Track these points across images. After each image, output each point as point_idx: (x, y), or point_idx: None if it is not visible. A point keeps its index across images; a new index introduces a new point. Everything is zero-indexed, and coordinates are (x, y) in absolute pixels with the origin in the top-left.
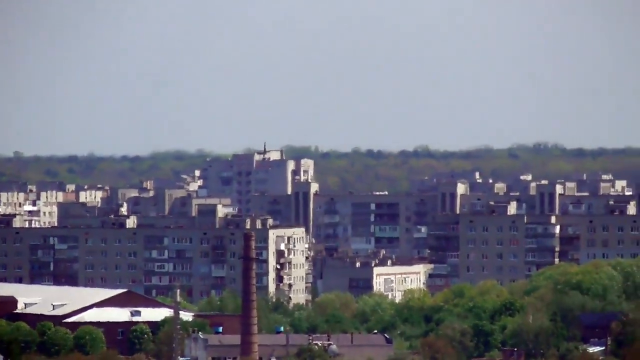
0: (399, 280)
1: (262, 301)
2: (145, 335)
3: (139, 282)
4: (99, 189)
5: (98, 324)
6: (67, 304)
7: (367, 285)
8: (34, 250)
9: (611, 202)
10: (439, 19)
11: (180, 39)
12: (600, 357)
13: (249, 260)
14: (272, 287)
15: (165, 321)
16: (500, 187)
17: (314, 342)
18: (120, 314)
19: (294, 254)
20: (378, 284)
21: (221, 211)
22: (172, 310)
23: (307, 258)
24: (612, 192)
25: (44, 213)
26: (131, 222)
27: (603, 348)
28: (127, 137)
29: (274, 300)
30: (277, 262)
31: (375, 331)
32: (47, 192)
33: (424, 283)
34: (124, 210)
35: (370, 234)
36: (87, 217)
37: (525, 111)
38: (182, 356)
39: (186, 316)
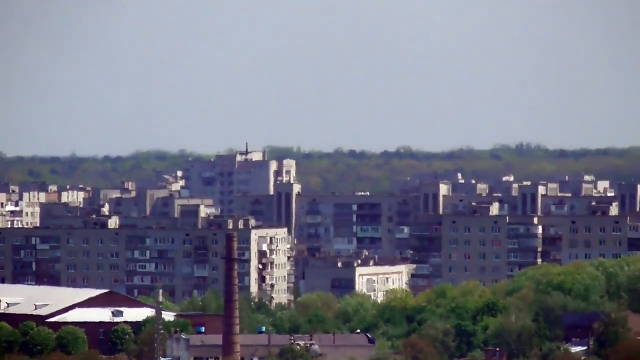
0: (381, 281)
1: (244, 301)
2: (127, 336)
3: (121, 282)
4: (81, 189)
5: (80, 324)
6: (50, 304)
7: (350, 285)
8: (16, 250)
9: (593, 203)
10: (422, 21)
11: (162, 39)
12: (583, 357)
13: (231, 260)
14: (254, 287)
15: (147, 321)
16: (482, 187)
17: (296, 342)
18: (102, 314)
19: (276, 254)
20: (360, 284)
21: (203, 211)
22: (154, 310)
23: (289, 258)
24: (594, 193)
25: (26, 213)
26: (113, 223)
27: (585, 348)
28: (109, 138)
29: (256, 300)
30: (259, 262)
31: (358, 331)
32: (29, 193)
33: (406, 283)
34: (106, 210)
35: (353, 234)
36: (69, 218)
37: (508, 112)
38: (164, 356)
39: (168, 316)
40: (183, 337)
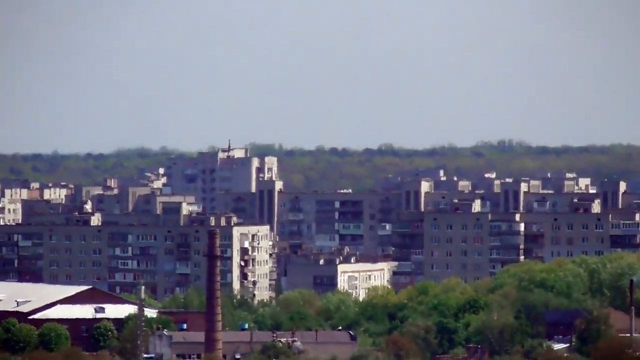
0: (363, 278)
1: (227, 298)
2: (110, 332)
3: (103, 279)
4: (63, 186)
5: (62, 320)
6: (32, 300)
7: (331, 282)
8: None
9: (575, 200)
10: (403, 18)
11: (144, 38)
12: (565, 354)
13: (213, 257)
14: (236, 285)
15: (129, 318)
16: (464, 185)
17: (278, 339)
18: (84, 311)
19: (258, 252)
20: (342, 281)
21: (185, 209)
22: (136, 307)
23: (271, 255)
24: (576, 190)
25: (9, 210)
26: (95, 220)
27: (567, 345)
28: (91, 135)
29: (238, 297)
30: (242, 260)
31: (340, 328)
32: (11, 190)
33: (388, 280)
34: (88, 207)
35: (335, 231)
36: (52, 215)
37: (490, 109)
38: (147, 353)
39: (150, 313)
40: (165, 334)
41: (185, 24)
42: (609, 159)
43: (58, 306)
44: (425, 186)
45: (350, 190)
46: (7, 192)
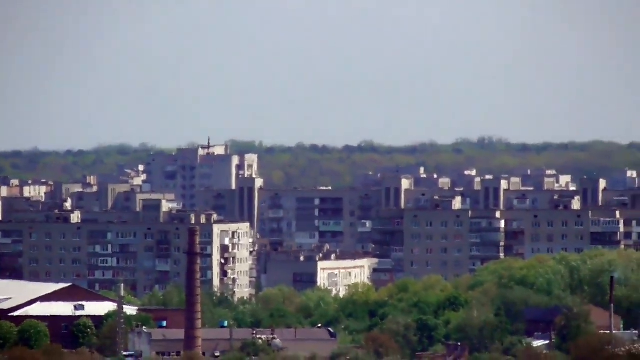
0: (343, 275)
1: (206, 296)
2: (89, 330)
3: (83, 276)
4: (43, 184)
5: (42, 318)
6: (12, 298)
7: (311, 279)
8: None
9: (556, 197)
10: (383, 14)
11: (123, 35)
12: (545, 351)
13: (193, 255)
14: (216, 282)
15: (109, 315)
16: (444, 182)
17: (258, 336)
18: (64, 308)
19: (238, 249)
20: (322, 278)
21: (165, 206)
22: (116, 305)
23: (251, 252)
24: (556, 187)
25: None
26: (75, 217)
27: (547, 342)
28: (71, 132)
29: (218, 294)
30: (222, 257)
31: (320, 325)
32: None
33: (368, 278)
34: (68, 205)
35: (315, 228)
36: (32, 212)
37: (470, 106)
38: (126, 350)
39: (130, 311)
40: (145, 331)
41: (164, 21)
42: (589, 156)
43: (38, 303)
44: (405, 183)
45: (330, 188)
46: None
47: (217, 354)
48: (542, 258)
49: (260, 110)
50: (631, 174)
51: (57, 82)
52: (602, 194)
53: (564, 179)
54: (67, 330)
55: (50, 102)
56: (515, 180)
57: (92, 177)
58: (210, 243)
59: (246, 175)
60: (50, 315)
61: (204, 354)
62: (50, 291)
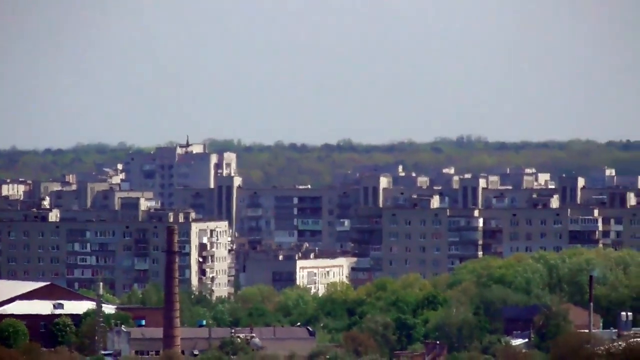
0: (322, 274)
1: (185, 294)
2: (68, 328)
3: (62, 275)
4: (21, 182)
5: (21, 316)
6: None
7: (290, 278)
8: None
9: (534, 196)
10: (362, 14)
11: (102, 34)
12: (523, 350)
13: (171, 253)
14: (194, 281)
15: (87, 314)
16: (423, 180)
17: (237, 335)
18: (43, 307)
19: (217, 247)
20: (301, 277)
21: (144, 204)
22: (94, 303)
23: (230, 251)
24: (535, 185)
25: None
26: (54, 216)
27: (526, 341)
28: (49, 131)
29: (196, 293)
30: (200, 256)
31: (298, 324)
32: None
33: (346, 276)
34: (46, 203)
35: (294, 227)
36: (10, 211)
37: (448, 105)
38: (105, 349)
39: (109, 309)
40: (124, 330)
41: (141, 21)
42: (567, 154)
43: (16, 302)
44: (383, 182)
45: (309, 186)
46: None
47: (196, 352)
48: (521, 257)
49: (239, 109)
50: (610, 172)
51: (36, 80)
52: (581, 192)
53: (543, 178)
54: (45, 329)
55: (28, 100)
56: (494, 178)
57: (70, 175)
58: (189, 242)
59: (225, 174)
60: (29, 314)
61: (182, 352)
62: (28, 290)
